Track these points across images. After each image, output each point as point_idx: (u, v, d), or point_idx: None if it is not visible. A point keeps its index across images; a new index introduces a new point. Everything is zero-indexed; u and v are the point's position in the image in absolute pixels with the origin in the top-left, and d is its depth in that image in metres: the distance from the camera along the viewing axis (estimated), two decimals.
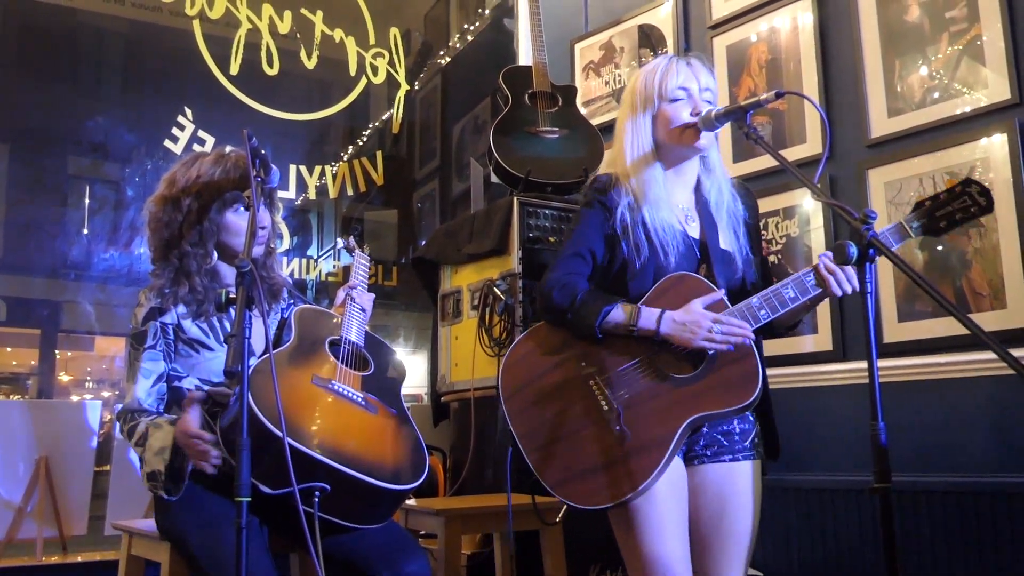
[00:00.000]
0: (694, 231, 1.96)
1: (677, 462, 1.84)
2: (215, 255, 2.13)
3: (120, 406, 2.04)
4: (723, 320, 1.77)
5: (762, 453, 1.94)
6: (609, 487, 1.75)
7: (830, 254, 1.77)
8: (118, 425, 2.03)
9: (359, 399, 2.03)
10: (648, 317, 1.80)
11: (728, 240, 1.96)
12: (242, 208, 2.10)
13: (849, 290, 1.77)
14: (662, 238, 1.88)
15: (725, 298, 1.83)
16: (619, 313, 1.82)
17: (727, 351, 1.78)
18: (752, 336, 1.78)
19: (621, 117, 2.02)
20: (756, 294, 1.82)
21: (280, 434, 1.72)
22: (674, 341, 1.79)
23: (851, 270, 1.75)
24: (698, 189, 2.01)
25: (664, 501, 1.79)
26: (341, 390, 2.02)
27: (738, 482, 1.88)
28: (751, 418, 1.94)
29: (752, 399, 1.76)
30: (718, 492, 1.87)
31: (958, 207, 1.74)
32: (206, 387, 2.05)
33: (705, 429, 1.89)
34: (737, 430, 1.91)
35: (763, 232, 3.19)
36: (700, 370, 1.80)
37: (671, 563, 1.77)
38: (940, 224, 1.76)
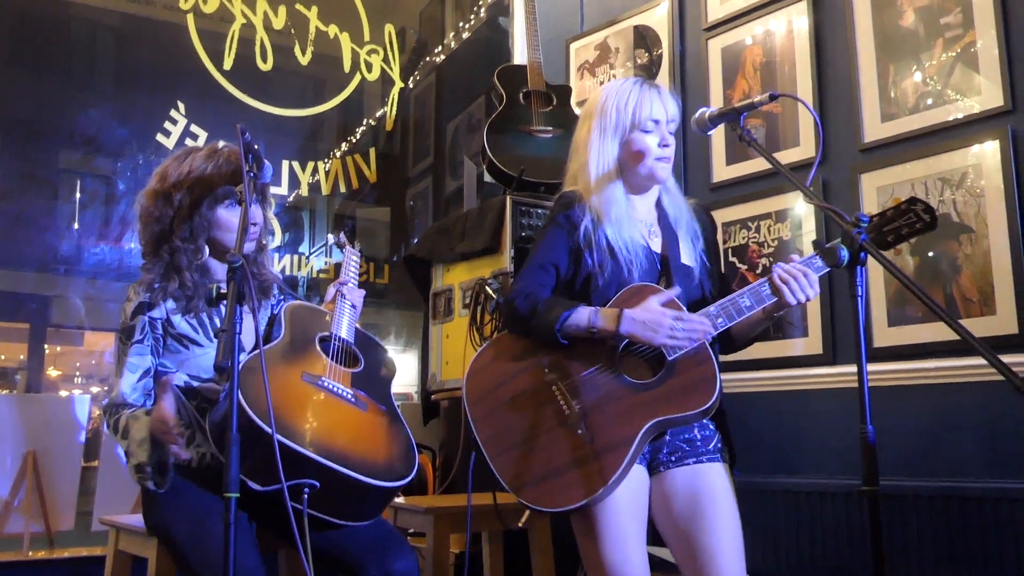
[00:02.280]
0: (656, 245, 2.00)
1: (640, 470, 1.88)
2: (206, 250, 2.12)
3: (107, 400, 2.03)
4: (684, 318, 1.80)
5: (727, 457, 1.97)
6: (571, 489, 1.77)
7: (783, 264, 1.83)
8: (105, 420, 2.01)
9: (349, 396, 2.02)
10: (607, 316, 1.84)
11: (688, 254, 2.01)
12: (234, 204, 2.09)
13: (803, 299, 1.81)
14: (626, 254, 1.93)
15: (680, 295, 1.87)
16: (579, 316, 1.85)
17: (687, 357, 1.82)
18: (711, 330, 1.81)
19: (583, 133, 2.03)
20: (714, 303, 1.86)
21: (269, 431, 1.71)
22: (635, 340, 1.82)
23: (804, 280, 1.80)
24: (659, 205, 2.06)
25: (623, 509, 1.81)
26: (331, 387, 2.01)
27: (710, 480, 1.88)
28: (711, 426, 1.97)
29: (710, 403, 1.79)
30: (689, 492, 1.87)
31: (904, 223, 1.79)
32: (195, 383, 2.04)
33: (668, 438, 1.92)
34: (699, 437, 1.94)
35: (755, 235, 3.20)
36: (659, 376, 1.84)
37: (629, 570, 1.79)
38: (888, 239, 1.82)
